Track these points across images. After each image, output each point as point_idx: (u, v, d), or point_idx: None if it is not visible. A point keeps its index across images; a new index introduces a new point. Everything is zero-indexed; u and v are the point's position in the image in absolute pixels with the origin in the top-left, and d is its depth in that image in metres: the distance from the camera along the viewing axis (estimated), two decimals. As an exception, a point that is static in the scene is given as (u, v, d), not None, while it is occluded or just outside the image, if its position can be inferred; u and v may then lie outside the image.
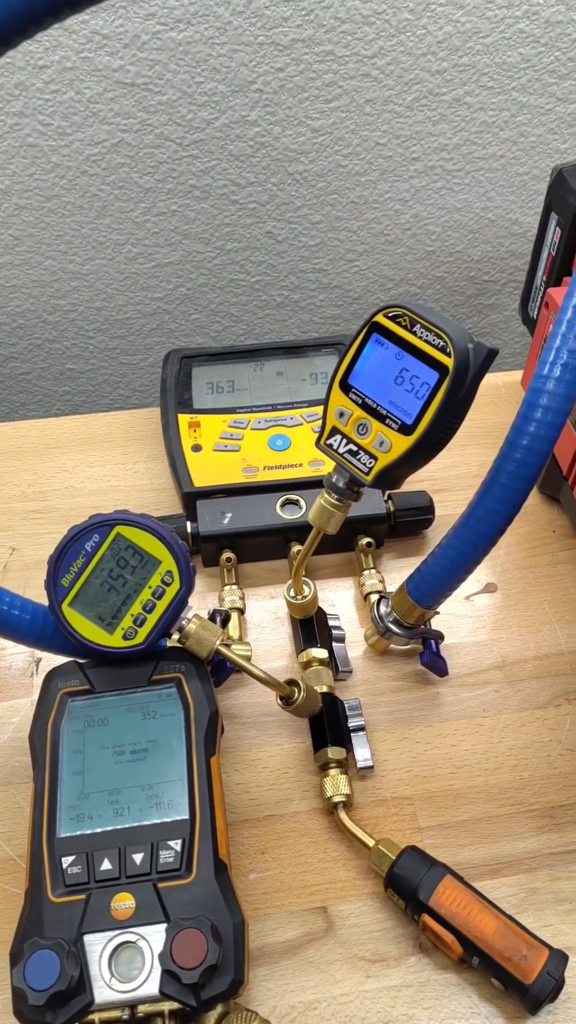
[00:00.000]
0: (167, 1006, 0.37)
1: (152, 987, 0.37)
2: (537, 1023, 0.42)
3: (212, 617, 0.54)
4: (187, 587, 0.44)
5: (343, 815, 0.47)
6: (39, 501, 0.66)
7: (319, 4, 0.67)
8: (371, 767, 0.50)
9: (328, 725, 0.50)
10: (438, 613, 0.53)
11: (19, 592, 0.48)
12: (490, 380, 0.73)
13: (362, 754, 0.50)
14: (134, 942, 0.38)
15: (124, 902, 0.39)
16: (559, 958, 0.41)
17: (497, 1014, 0.42)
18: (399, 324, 0.41)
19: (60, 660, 0.47)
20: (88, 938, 0.38)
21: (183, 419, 0.65)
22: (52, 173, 0.74)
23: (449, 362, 0.39)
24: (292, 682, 0.47)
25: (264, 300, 0.87)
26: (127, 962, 0.38)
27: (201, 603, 0.59)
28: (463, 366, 0.40)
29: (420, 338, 0.40)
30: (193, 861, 0.40)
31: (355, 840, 0.47)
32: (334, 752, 0.49)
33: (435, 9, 0.68)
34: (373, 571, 0.59)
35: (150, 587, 0.44)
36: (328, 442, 0.44)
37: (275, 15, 0.67)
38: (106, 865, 0.40)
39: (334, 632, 0.55)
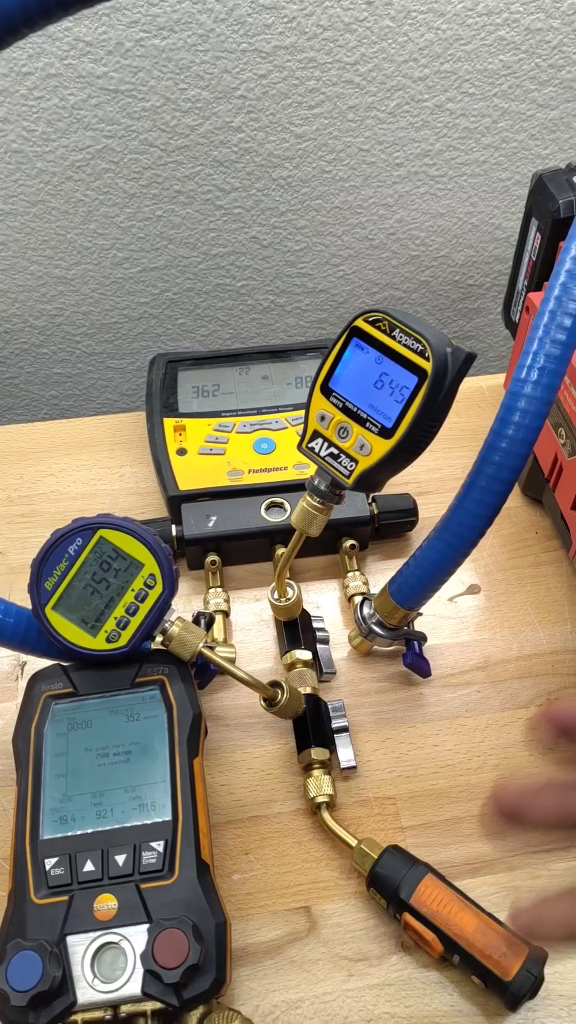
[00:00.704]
0: (149, 1006, 0.37)
1: (134, 987, 0.37)
2: (517, 1020, 0.42)
3: (196, 620, 0.55)
4: (170, 590, 0.45)
5: (326, 815, 0.48)
6: (25, 505, 0.66)
7: (301, 11, 0.67)
8: (354, 767, 0.50)
9: (312, 726, 0.50)
10: (421, 614, 0.54)
11: (4, 596, 0.48)
12: (474, 383, 0.74)
13: (345, 755, 0.50)
14: (117, 943, 0.38)
15: (107, 903, 0.39)
16: (538, 955, 0.41)
17: (478, 1012, 0.43)
18: (379, 329, 0.41)
19: (44, 663, 0.47)
20: (71, 939, 0.38)
21: (168, 423, 0.65)
22: (37, 179, 0.74)
23: (428, 366, 0.40)
24: (275, 684, 0.47)
25: (250, 304, 0.88)
26: (110, 963, 0.38)
27: (186, 606, 0.59)
28: (441, 370, 0.40)
29: (399, 342, 0.41)
30: (175, 862, 0.40)
31: (338, 840, 0.47)
32: (317, 753, 0.49)
33: (416, 17, 0.69)
34: (357, 573, 0.59)
35: (133, 590, 0.45)
36: (310, 445, 0.44)
37: (257, 22, 0.68)
38: (89, 866, 0.40)
39: (318, 634, 0.56)
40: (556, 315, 0.40)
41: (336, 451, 0.43)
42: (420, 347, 0.40)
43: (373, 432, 0.42)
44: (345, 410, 0.43)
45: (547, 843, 0.48)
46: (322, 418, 0.44)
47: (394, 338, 0.41)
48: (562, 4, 0.70)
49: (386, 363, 0.41)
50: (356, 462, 0.43)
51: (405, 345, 0.41)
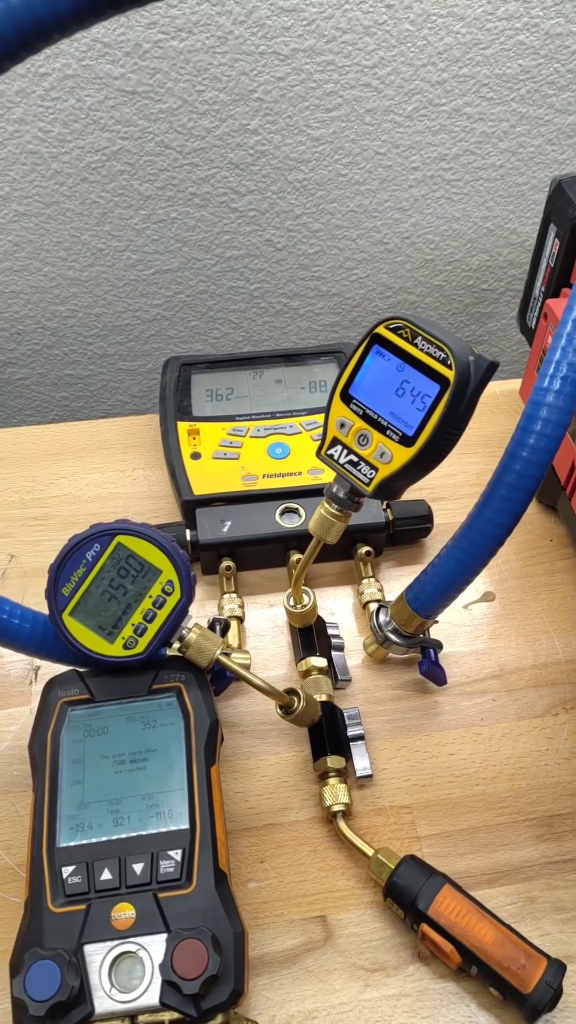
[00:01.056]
0: (167, 1016, 0.37)
1: (152, 997, 0.37)
2: (535, 1033, 0.42)
3: (212, 626, 0.55)
4: (188, 597, 0.45)
5: (342, 824, 0.48)
6: (38, 508, 0.66)
7: (320, 14, 0.67)
8: (370, 776, 0.50)
9: (327, 734, 0.50)
10: (437, 622, 0.53)
11: (18, 599, 0.48)
12: (488, 389, 0.72)
13: (361, 763, 0.50)
14: (134, 952, 0.38)
15: (124, 912, 0.39)
16: (557, 967, 0.41)
17: (495, 1023, 0.42)
18: (400, 336, 0.41)
19: (59, 668, 0.47)
20: (88, 948, 0.38)
21: (182, 427, 0.65)
22: (52, 180, 0.74)
23: (450, 374, 0.40)
24: (291, 691, 0.47)
25: (263, 307, 0.88)
26: (127, 972, 0.38)
27: (200, 611, 0.59)
28: (464, 379, 0.40)
29: (421, 350, 0.40)
30: (193, 871, 0.40)
31: (354, 849, 0.47)
32: (333, 761, 0.49)
33: (436, 20, 0.69)
34: (372, 580, 0.59)
35: (151, 597, 0.44)
36: (329, 452, 0.44)
37: (276, 25, 0.67)
38: (106, 875, 0.40)
39: (333, 641, 0.55)
40: (580, 324, 0.40)
41: (356, 459, 0.43)
42: (443, 355, 0.40)
43: (394, 440, 0.41)
44: (365, 417, 0.42)
45: (564, 854, 0.48)
46: (342, 425, 0.43)
47: (416, 346, 0.41)
48: (581, 9, 0.70)
49: (408, 371, 0.41)
50: (376, 470, 0.42)
51: (427, 353, 0.40)
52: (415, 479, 0.44)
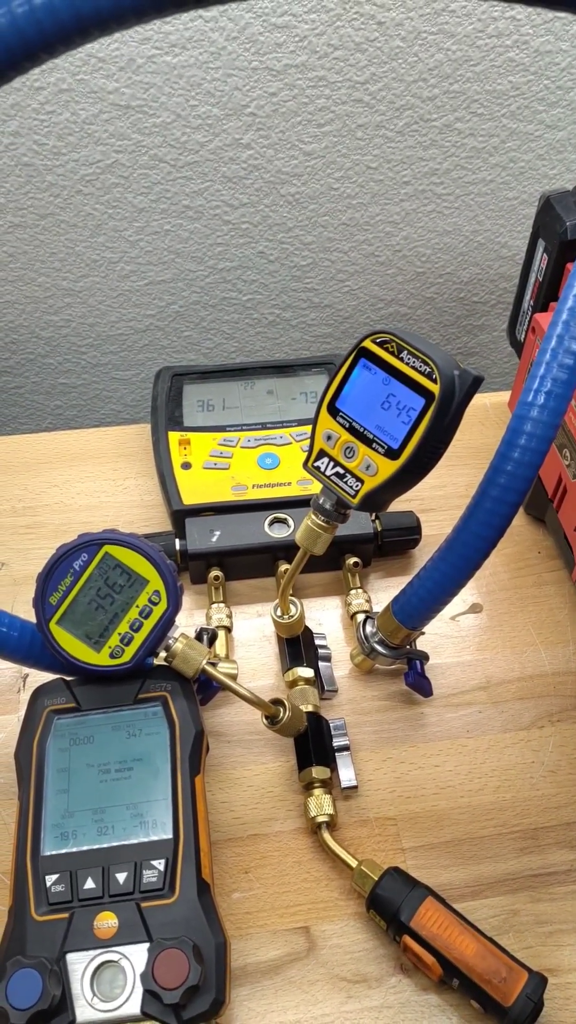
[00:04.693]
0: (148, 1026, 0.37)
1: (134, 1007, 0.37)
2: (516, 1045, 0.42)
3: (199, 636, 0.55)
4: (174, 607, 0.45)
5: (326, 835, 0.48)
6: (29, 516, 0.66)
7: (312, 31, 0.68)
8: (355, 787, 0.50)
9: (313, 744, 0.50)
10: (423, 633, 0.54)
11: (7, 607, 0.48)
12: (477, 400, 0.73)
13: (346, 774, 0.50)
14: (116, 961, 0.38)
15: (107, 921, 0.39)
16: (538, 981, 0.41)
17: (477, 1035, 0.42)
18: (386, 350, 0.42)
19: (47, 677, 0.47)
20: (71, 957, 0.38)
21: (173, 436, 0.65)
22: (47, 192, 0.75)
23: (435, 388, 0.40)
24: (277, 701, 0.48)
25: (256, 318, 0.88)
26: (109, 981, 0.38)
27: (188, 620, 0.59)
28: (449, 393, 0.40)
29: (407, 364, 0.41)
30: (176, 881, 0.40)
31: (338, 860, 0.47)
32: (318, 772, 0.49)
33: (426, 38, 0.69)
34: (360, 591, 0.59)
35: (137, 606, 0.45)
36: (315, 464, 0.44)
37: (269, 41, 0.68)
38: (90, 884, 0.40)
39: (320, 651, 0.56)
40: (564, 339, 0.40)
41: (342, 471, 0.43)
42: (428, 369, 0.40)
43: (379, 453, 0.42)
44: (351, 430, 0.43)
45: (548, 867, 0.48)
46: (328, 437, 0.44)
47: (402, 360, 0.41)
48: (572, 27, 0.70)
49: (393, 384, 0.42)
50: (362, 482, 0.43)
51: (413, 367, 0.41)
52: (401, 492, 0.44)
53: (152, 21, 0.28)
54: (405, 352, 0.41)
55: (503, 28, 0.70)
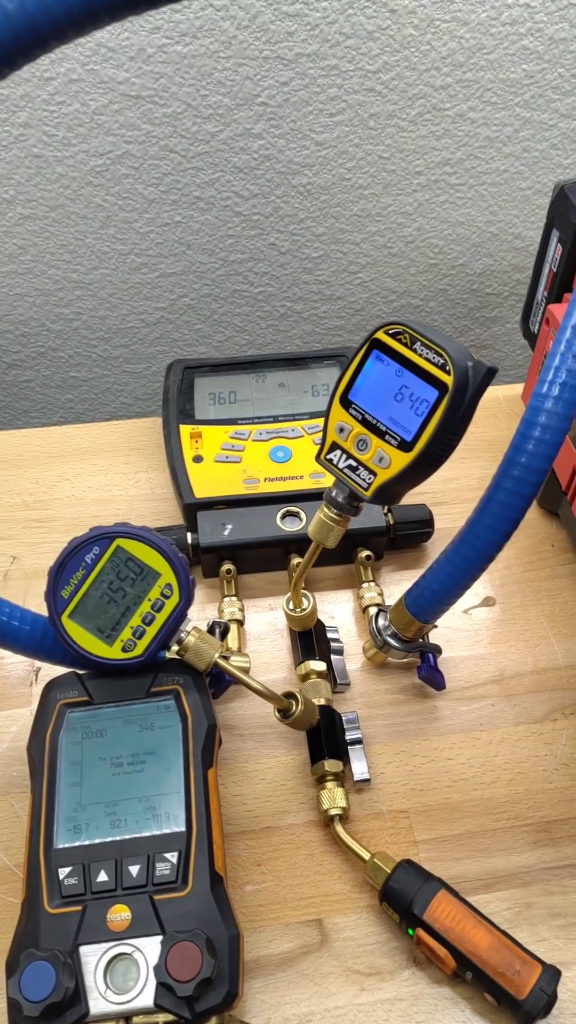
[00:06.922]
0: (161, 1018, 0.37)
1: (147, 999, 0.37)
2: (530, 1039, 0.42)
3: (211, 629, 0.55)
4: (186, 600, 0.45)
5: (339, 828, 0.48)
6: (40, 510, 0.66)
7: (324, 19, 0.67)
8: (368, 780, 0.50)
9: (325, 738, 0.50)
10: (436, 626, 0.53)
11: (19, 601, 0.48)
12: (491, 393, 0.73)
13: (359, 767, 0.50)
14: (129, 954, 0.38)
15: (120, 914, 0.39)
16: (552, 974, 0.41)
17: (490, 1029, 0.42)
18: (399, 341, 0.41)
19: (59, 670, 0.47)
20: (84, 949, 0.38)
21: (185, 430, 0.65)
22: (57, 183, 0.75)
23: (448, 380, 0.40)
24: (290, 695, 0.47)
25: (267, 311, 0.88)
26: (122, 974, 0.38)
27: (200, 614, 0.59)
28: (462, 384, 0.40)
29: (420, 355, 0.41)
30: (189, 874, 0.40)
31: (351, 853, 0.47)
32: (331, 765, 0.49)
33: (439, 25, 0.69)
34: (372, 584, 0.59)
35: (149, 600, 0.44)
36: (328, 457, 0.44)
37: (280, 30, 0.68)
38: (103, 876, 0.40)
39: (333, 645, 0.55)
40: (579, 330, 0.40)
41: (355, 463, 0.43)
42: (441, 361, 0.40)
43: (392, 445, 0.42)
44: (364, 422, 0.43)
45: (561, 860, 0.48)
46: (341, 430, 0.43)
47: (415, 351, 0.41)
48: (586, 14, 0.70)
49: (407, 376, 0.41)
50: (375, 475, 0.42)
51: (426, 358, 0.40)
52: (414, 484, 0.44)
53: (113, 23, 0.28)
54: (418, 343, 0.41)
55: (517, 16, 0.69)
